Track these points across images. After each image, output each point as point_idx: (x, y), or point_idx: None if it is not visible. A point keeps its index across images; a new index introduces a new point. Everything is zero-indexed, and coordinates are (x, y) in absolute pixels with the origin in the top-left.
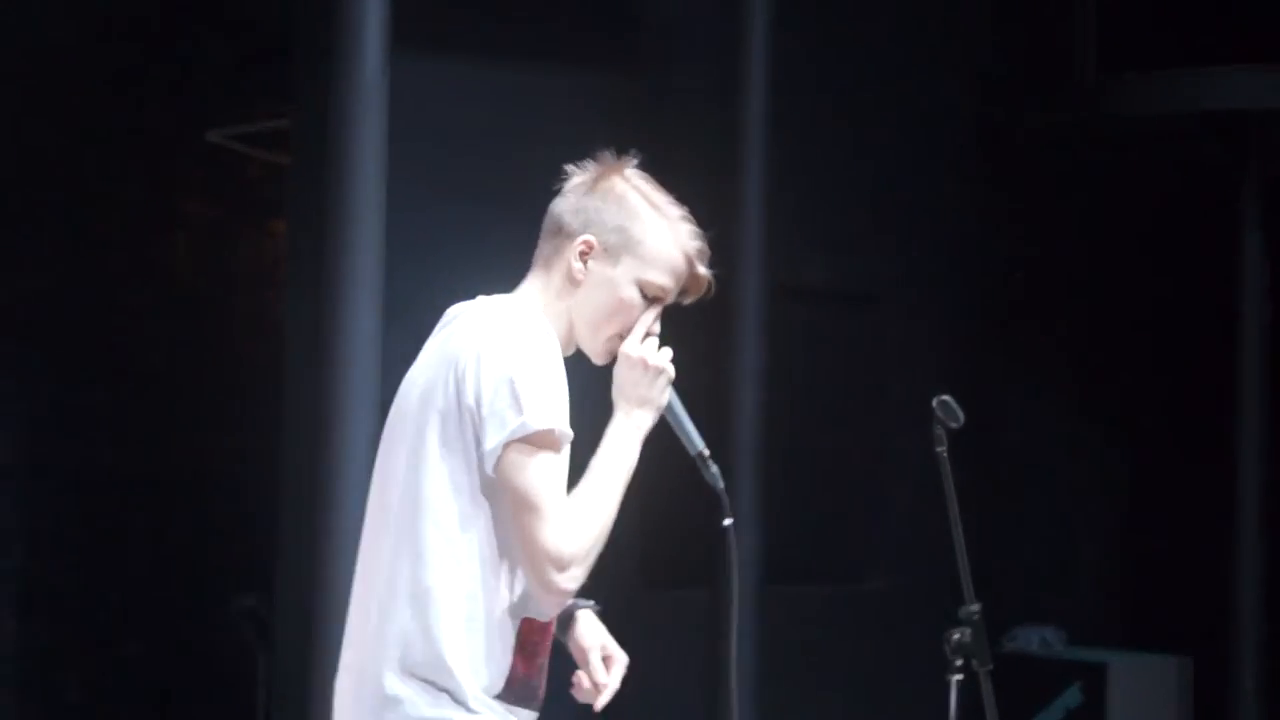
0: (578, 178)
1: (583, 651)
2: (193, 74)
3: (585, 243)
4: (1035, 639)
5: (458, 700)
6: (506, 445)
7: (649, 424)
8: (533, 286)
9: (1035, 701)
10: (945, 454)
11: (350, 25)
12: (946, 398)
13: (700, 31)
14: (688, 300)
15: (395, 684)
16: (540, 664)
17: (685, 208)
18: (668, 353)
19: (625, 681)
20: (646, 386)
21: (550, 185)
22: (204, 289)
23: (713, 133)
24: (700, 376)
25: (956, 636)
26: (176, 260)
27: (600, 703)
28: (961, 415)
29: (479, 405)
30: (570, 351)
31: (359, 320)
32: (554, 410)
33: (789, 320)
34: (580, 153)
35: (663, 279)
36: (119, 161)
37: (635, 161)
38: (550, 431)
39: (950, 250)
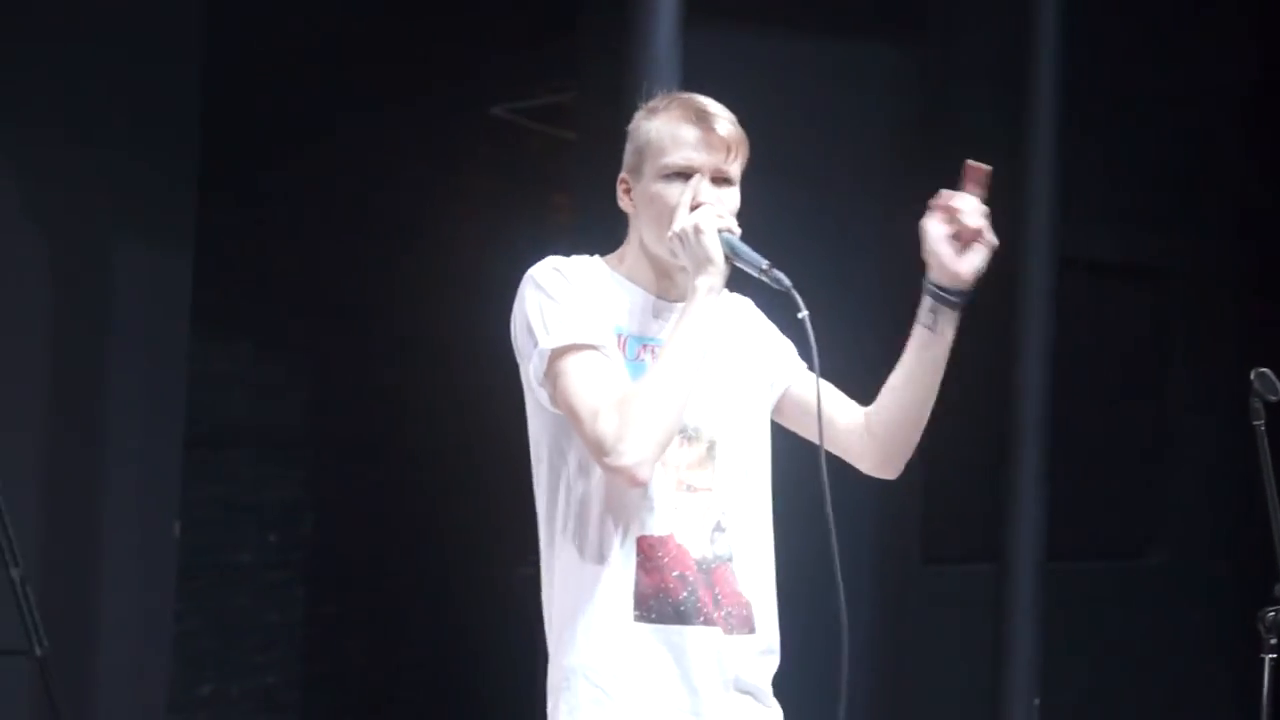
0: None
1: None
2: (477, 48)
3: (621, 181)
4: None
5: (568, 641)
6: (541, 380)
7: (713, 281)
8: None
9: None
10: (1263, 428)
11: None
12: (1265, 370)
13: (990, 3)
14: (734, 164)
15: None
16: (677, 576)
17: (708, 99)
18: (701, 210)
19: (909, 658)
20: (691, 251)
21: (841, 157)
22: (485, 263)
23: (1000, 104)
24: (983, 350)
25: (1272, 615)
26: (458, 234)
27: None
28: None
29: (518, 355)
30: (681, 285)
31: None
32: (565, 327)
33: (1076, 295)
34: (866, 123)
35: (676, 155)
36: (403, 136)
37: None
38: (567, 346)
39: (1241, 223)
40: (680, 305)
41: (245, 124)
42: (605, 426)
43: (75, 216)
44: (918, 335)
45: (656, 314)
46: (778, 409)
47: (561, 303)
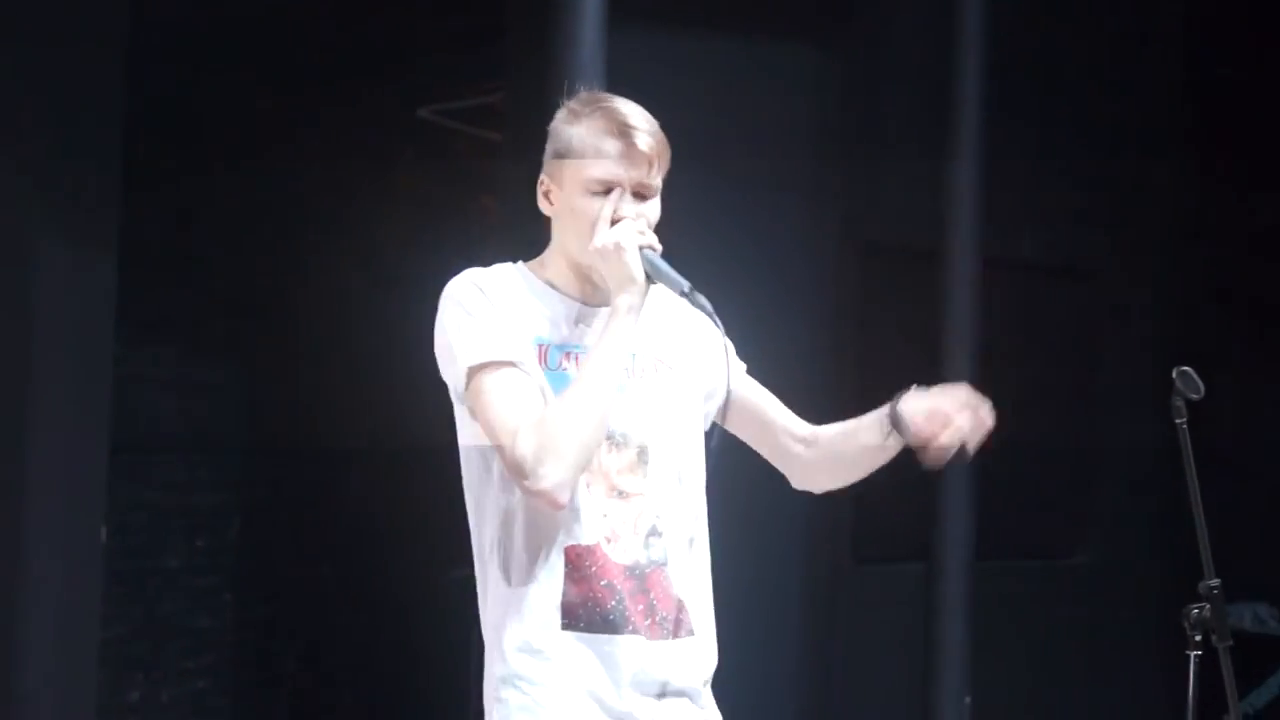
0: None
1: (925, 407)
2: (405, 50)
3: (541, 183)
4: (1248, 615)
5: (499, 642)
6: (462, 396)
7: (633, 300)
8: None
9: (1248, 678)
10: (1185, 426)
11: (568, 1)
12: (1187, 369)
13: (915, 3)
14: (656, 176)
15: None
16: (604, 585)
17: (627, 102)
18: (622, 226)
19: (839, 657)
20: (612, 268)
21: (765, 157)
22: (413, 264)
23: (924, 105)
24: (910, 351)
25: (1196, 612)
26: (386, 235)
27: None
28: (1202, 386)
29: (442, 371)
30: (596, 288)
31: None
32: (483, 343)
33: (1003, 295)
34: (790, 124)
35: (598, 168)
36: (331, 137)
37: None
38: (485, 363)
39: (1169, 222)
40: (604, 310)
41: (170, 124)
42: (523, 449)
43: None
44: (872, 433)
45: (580, 319)
46: (723, 416)
47: (479, 318)
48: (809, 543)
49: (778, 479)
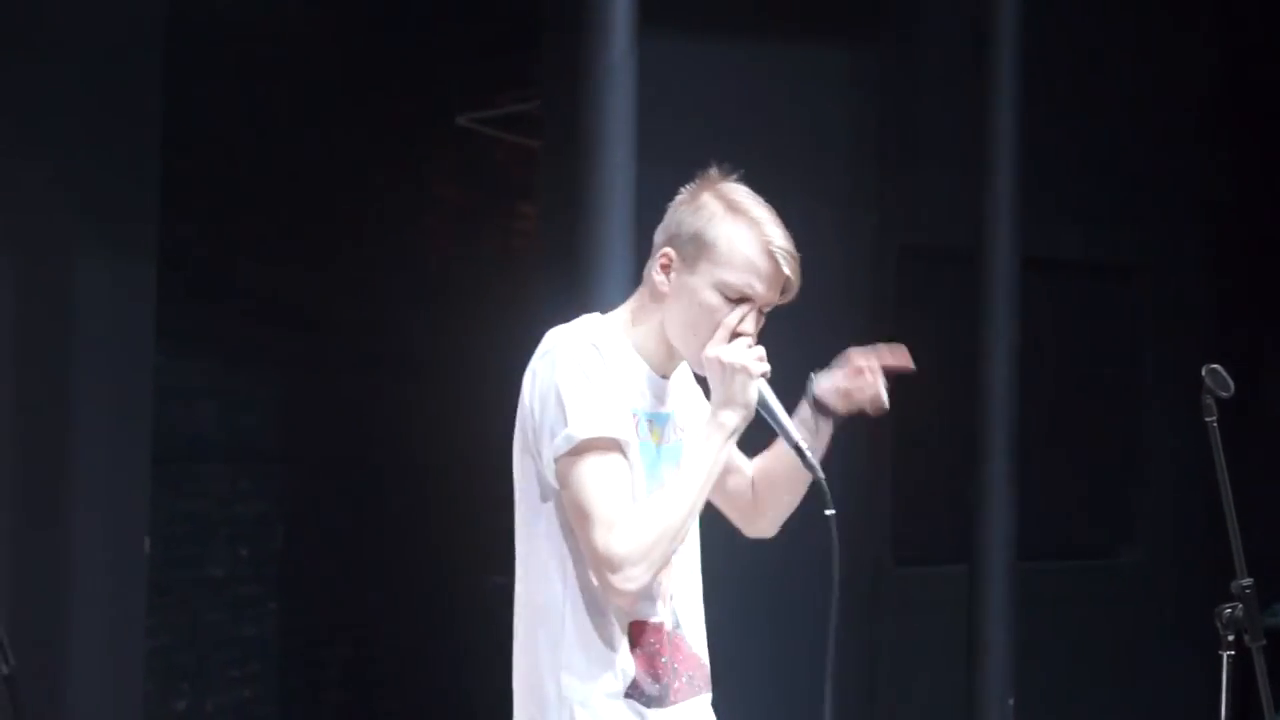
0: (680, 194)
1: (837, 379)
2: (442, 60)
3: (665, 254)
4: None
5: (556, 696)
6: (559, 458)
7: (734, 423)
8: (632, 303)
9: None
10: (1215, 424)
11: (599, 6)
12: (1216, 366)
13: (950, 3)
14: (785, 299)
15: (520, 690)
16: (665, 663)
17: (775, 215)
18: (750, 350)
19: (881, 660)
20: (728, 386)
21: (800, 161)
22: (453, 273)
23: (962, 104)
24: (951, 352)
25: (1228, 611)
26: (427, 244)
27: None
28: (1232, 384)
29: (533, 418)
30: (677, 364)
31: (610, 300)
32: (599, 417)
33: (1042, 294)
34: (826, 127)
35: (741, 278)
36: (371, 148)
37: (735, 175)
38: (596, 439)
39: (1208, 217)
40: (671, 381)
41: (208, 137)
42: (621, 547)
43: (37, 234)
44: (808, 424)
45: (657, 389)
46: None
47: (600, 388)
48: (850, 546)
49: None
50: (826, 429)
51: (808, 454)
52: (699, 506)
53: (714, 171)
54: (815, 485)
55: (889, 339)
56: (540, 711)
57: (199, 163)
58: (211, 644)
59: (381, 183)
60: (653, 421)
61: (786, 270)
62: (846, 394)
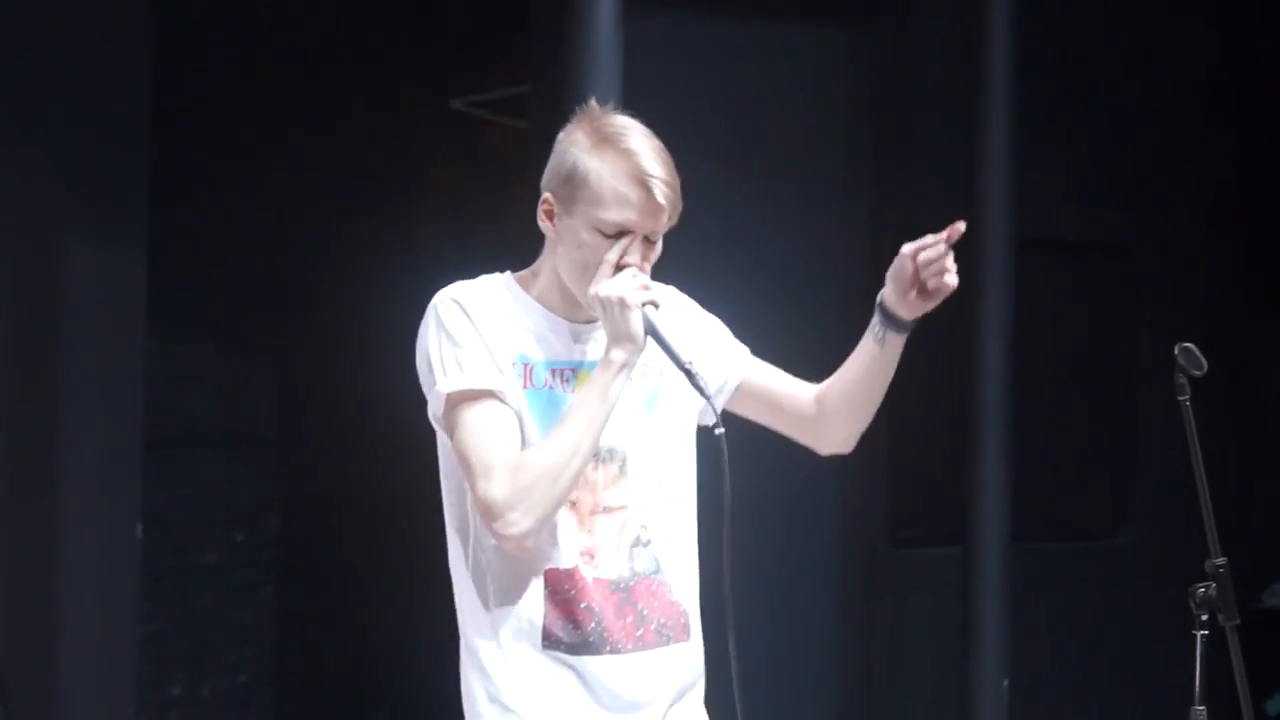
0: (559, 134)
1: (901, 267)
2: (437, 43)
3: (544, 200)
4: None
5: (478, 661)
6: (437, 418)
7: (621, 357)
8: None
9: None
10: (1188, 403)
11: None
12: (1189, 345)
13: None
14: (671, 224)
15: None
16: (584, 608)
17: (653, 142)
18: (631, 279)
19: (876, 641)
20: (612, 320)
21: (793, 142)
22: (449, 256)
23: (957, 85)
24: (944, 333)
25: (1202, 591)
26: (422, 227)
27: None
28: (1205, 363)
29: (421, 383)
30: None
31: None
32: (463, 369)
33: (1038, 275)
34: (819, 108)
35: (615, 214)
36: (366, 131)
37: (610, 105)
38: (463, 391)
39: (1206, 197)
40: (592, 327)
41: (198, 119)
42: (496, 492)
43: (26, 220)
44: (867, 346)
45: (571, 336)
46: (734, 404)
47: (460, 342)
48: (844, 527)
49: (810, 466)
50: (893, 343)
51: (697, 376)
52: (584, 447)
53: (593, 106)
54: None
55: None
56: (463, 675)
57: (189, 146)
58: (207, 629)
59: (376, 166)
60: (560, 370)
61: (659, 198)
62: (915, 293)
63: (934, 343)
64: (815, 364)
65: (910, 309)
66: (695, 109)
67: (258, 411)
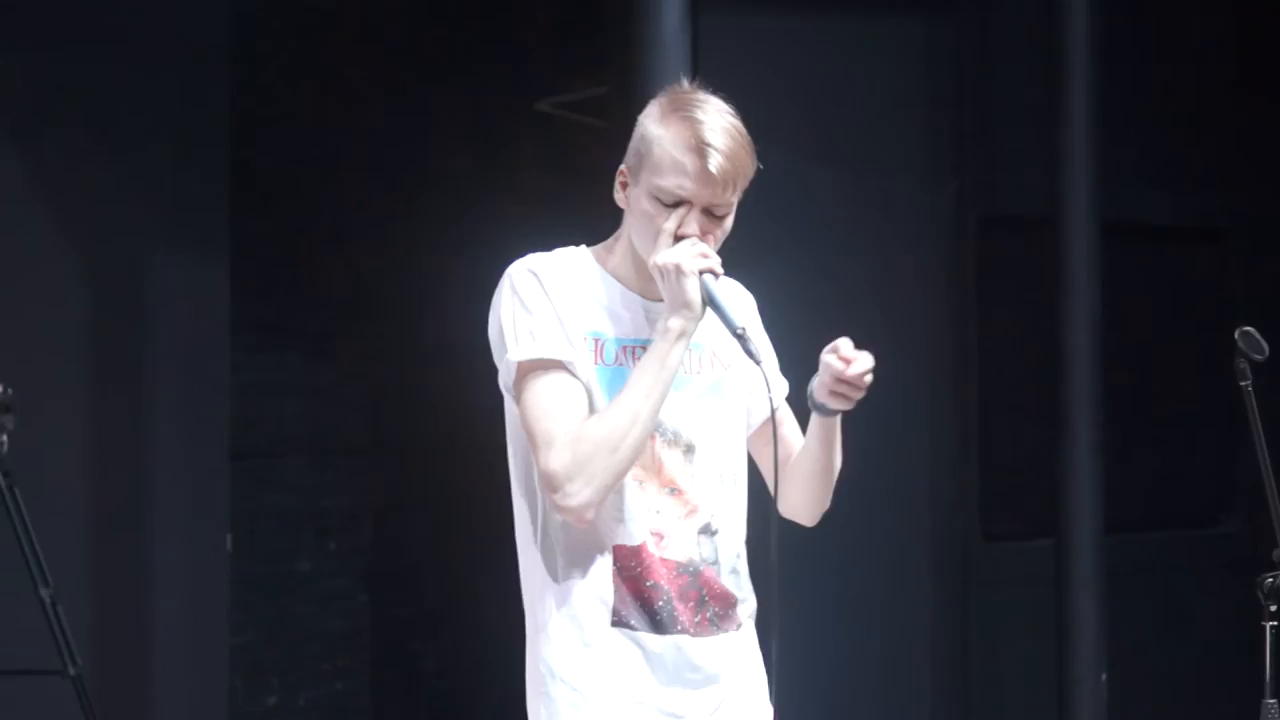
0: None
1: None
2: (518, 45)
3: (620, 172)
4: None
5: (546, 636)
6: (508, 388)
7: (678, 325)
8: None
9: None
10: (1250, 388)
11: None
12: (1249, 329)
13: None
14: (731, 195)
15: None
16: (650, 586)
17: (725, 116)
18: (688, 248)
19: (971, 637)
20: (669, 289)
21: (874, 134)
22: None
23: (1039, 69)
24: (1032, 323)
25: (1270, 581)
26: (509, 232)
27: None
28: (1266, 347)
29: (494, 355)
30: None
31: None
32: (534, 340)
33: (1130, 260)
34: (898, 97)
35: (670, 180)
36: (447, 133)
37: (696, 82)
38: (534, 360)
39: None
40: (664, 304)
41: (278, 127)
42: (556, 463)
43: (108, 234)
44: (813, 423)
45: (645, 313)
46: (750, 428)
47: (534, 311)
48: (937, 523)
49: (901, 461)
50: (825, 424)
51: (749, 342)
52: (644, 416)
53: (681, 83)
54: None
55: (973, 310)
56: (528, 651)
57: (269, 153)
58: (301, 639)
59: (461, 170)
60: (631, 348)
61: (713, 168)
62: (837, 387)
63: (1023, 333)
64: (905, 359)
65: (833, 401)
66: (773, 103)
67: (347, 419)
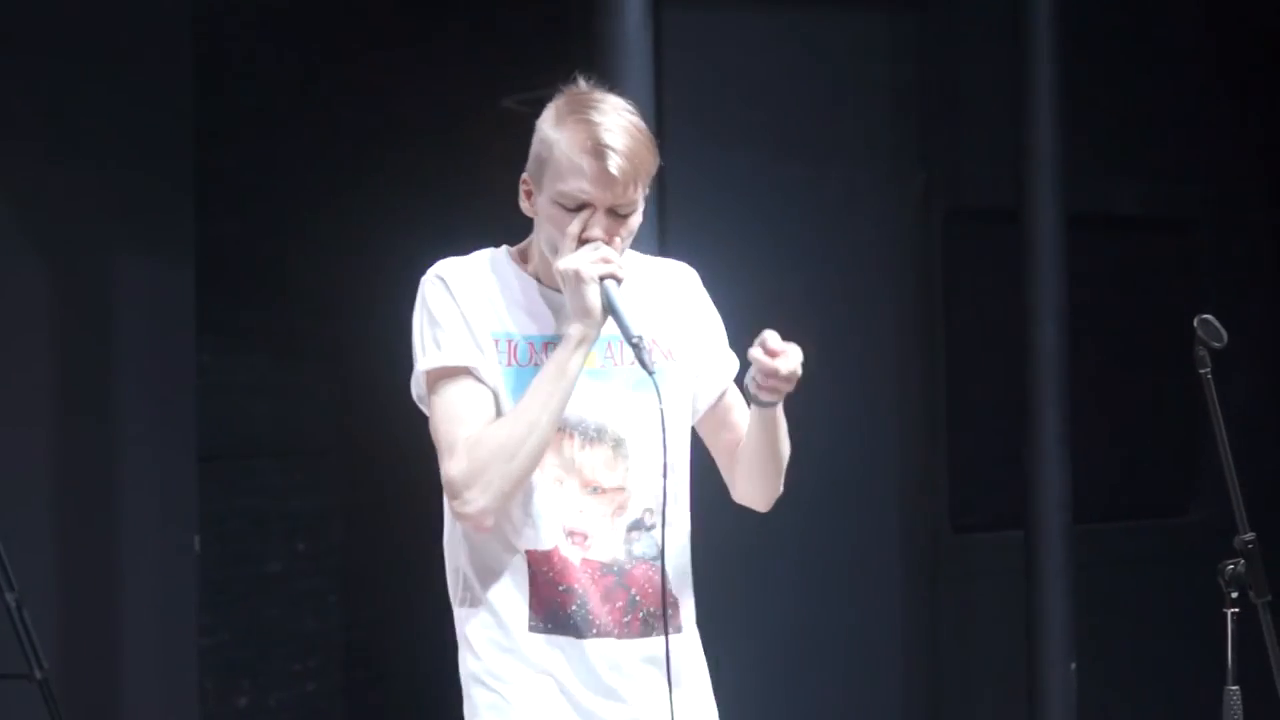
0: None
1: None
2: (483, 42)
3: (523, 181)
4: None
5: (467, 641)
6: (419, 398)
7: (579, 332)
8: None
9: None
10: (1209, 376)
11: None
12: (1208, 317)
13: None
14: (634, 194)
15: None
16: (563, 590)
17: (622, 115)
18: (590, 253)
19: (941, 628)
20: (571, 294)
21: (840, 126)
22: None
23: (1004, 61)
24: (999, 314)
25: (1231, 568)
26: (474, 230)
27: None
28: (1225, 335)
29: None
30: None
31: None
32: (439, 347)
33: (1096, 252)
34: (861, 90)
35: (571, 185)
36: (412, 131)
37: (591, 82)
38: (438, 369)
39: (1265, 164)
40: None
41: (242, 126)
42: (454, 470)
43: (73, 236)
44: (752, 414)
45: (560, 311)
46: (697, 414)
47: (440, 320)
48: (906, 514)
49: (869, 454)
50: (762, 414)
51: (644, 351)
52: (542, 424)
53: (576, 84)
54: None
55: (940, 303)
56: (459, 654)
57: (235, 155)
58: (271, 640)
59: (426, 167)
60: (546, 344)
61: (613, 169)
62: (765, 381)
63: (990, 325)
64: (871, 352)
65: (763, 394)
66: (736, 100)
67: (315, 420)
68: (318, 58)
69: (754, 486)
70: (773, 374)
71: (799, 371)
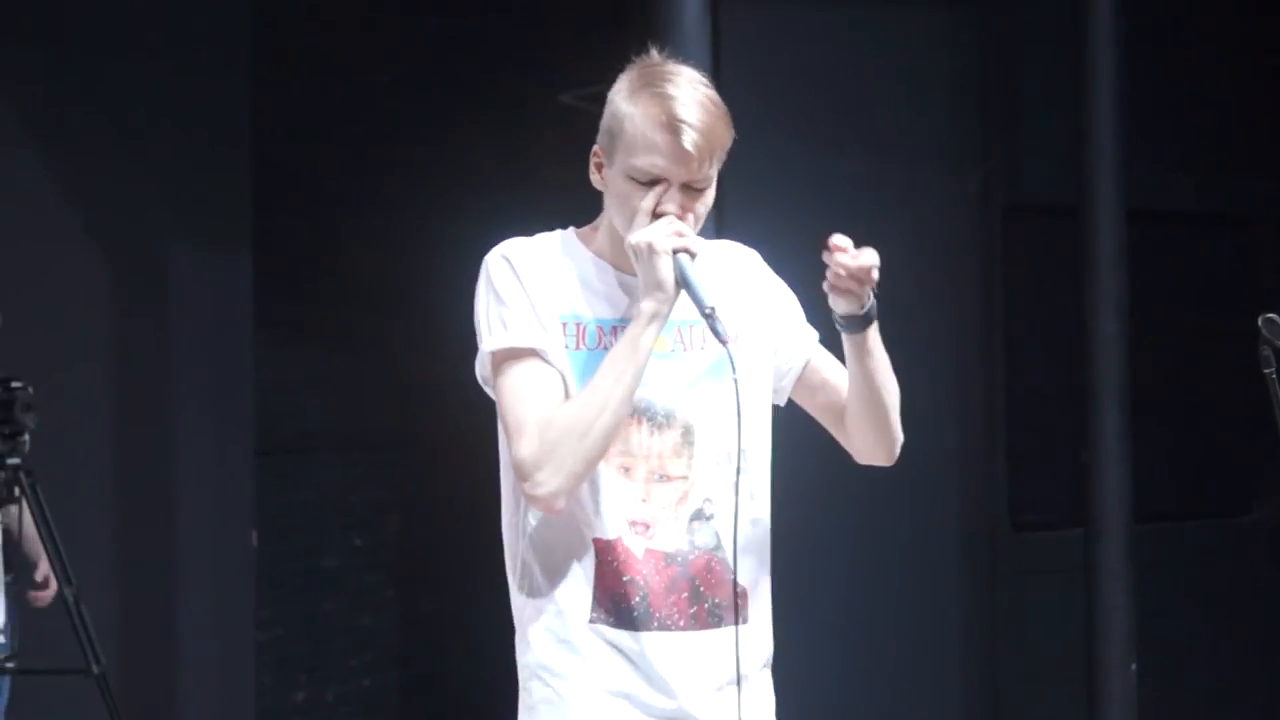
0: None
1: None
2: (542, 37)
3: (594, 154)
4: None
5: (525, 633)
6: (485, 380)
7: (651, 307)
8: None
9: None
10: (1275, 375)
11: None
12: (1273, 315)
13: None
14: (708, 169)
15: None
16: (627, 581)
17: (697, 89)
18: (662, 226)
19: (1001, 627)
20: (642, 269)
21: (894, 120)
22: None
23: (1060, 56)
24: (1058, 310)
25: None
26: (532, 225)
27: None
28: None
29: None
30: None
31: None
32: (505, 328)
33: (1158, 248)
34: (923, 85)
35: (644, 160)
36: (469, 127)
37: (665, 54)
38: (504, 350)
39: None
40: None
41: (301, 121)
42: (525, 450)
43: (131, 231)
44: (846, 345)
45: (629, 293)
46: (793, 384)
47: (506, 300)
48: (966, 514)
49: (928, 453)
50: (859, 339)
51: (717, 322)
52: (615, 401)
53: (649, 55)
54: None
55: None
56: (517, 646)
57: (293, 149)
58: (328, 634)
59: (485, 162)
60: (614, 327)
61: (687, 145)
62: (839, 283)
63: (1050, 321)
64: (931, 348)
65: (843, 303)
66: (795, 94)
67: (372, 414)
68: (376, 53)
69: (868, 438)
70: (841, 269)
71: (871, 268)
